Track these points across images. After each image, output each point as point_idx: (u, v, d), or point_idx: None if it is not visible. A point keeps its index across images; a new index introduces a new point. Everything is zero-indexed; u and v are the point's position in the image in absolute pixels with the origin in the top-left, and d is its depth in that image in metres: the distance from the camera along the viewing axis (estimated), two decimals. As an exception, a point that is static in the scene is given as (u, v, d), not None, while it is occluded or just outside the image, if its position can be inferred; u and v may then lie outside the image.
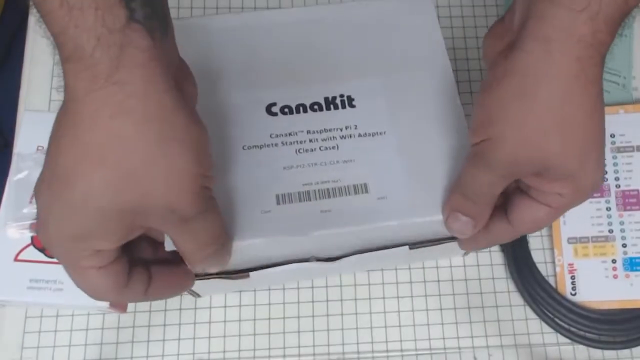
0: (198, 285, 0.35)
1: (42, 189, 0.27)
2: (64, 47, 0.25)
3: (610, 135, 0.49)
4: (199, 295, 0.44)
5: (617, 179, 0.48)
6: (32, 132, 0.44)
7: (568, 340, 0.45)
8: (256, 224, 0.34)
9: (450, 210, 0.34)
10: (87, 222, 0.27)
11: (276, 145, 0.36)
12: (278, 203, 0.35)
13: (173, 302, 0.46)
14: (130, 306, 0.45)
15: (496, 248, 0.48)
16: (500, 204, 0.35)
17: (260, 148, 0.36)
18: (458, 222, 0.34)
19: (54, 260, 0.38)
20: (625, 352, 0.46)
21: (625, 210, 0.47)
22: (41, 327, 0.44)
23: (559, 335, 0.46)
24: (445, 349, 0.46)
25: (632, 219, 0.47)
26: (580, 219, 0.47)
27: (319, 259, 0.36)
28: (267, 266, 0.36)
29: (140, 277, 0.31)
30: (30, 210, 0.41)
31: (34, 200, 0.39)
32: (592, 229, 0.47)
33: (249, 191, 0.35)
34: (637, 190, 0.48)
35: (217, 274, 0.36)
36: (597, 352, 0.46)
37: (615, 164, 0.48)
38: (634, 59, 0.54)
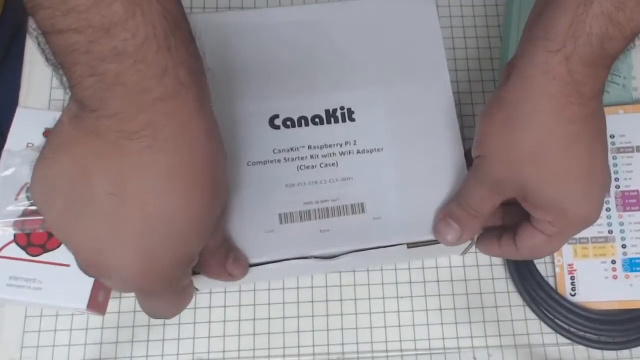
0: (198, 280, 0.36)
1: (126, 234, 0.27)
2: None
3: (611, 136, 0.49)
4: (197, 289, 0.44)
5: (617, 179, 0.48)
6: (23, 130, 0.44)
7: (568, 341, 0.45)
8: (261, 244, 0.35)
9: (445, 215, 0.37)
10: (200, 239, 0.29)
11: (279, 161, 0.37)
12: (281, 222, 0.36)
13: (173, 302, 0.46)
14: (130, 306, 0.45)
15: (496, 248, 0.48)
16: (512, 226, 0.38)
17: (265, 164, 0.37)
18: (448, 227, 0.36)
19: (36, 259, 0.38)
20: (625, 353, 0.46)
21: (625, 211, 0.47)
22: (41, 327, 0.44)
23: (558, 335, 0.46)
24: (445, 349, 0.46)
25: (632, 219, 0.47)
26: (580, 219, 0.47)
27: (318, 257, 0.36)
28: (267, 263, 0.36)
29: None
30: (16, 207, 0.41)
31: (20, 197, 0.40)
32: (592, 229, 0.47)
33: (254, 210, 0.36)
34: (637, 191, 0.48)
35: None
36: (597, 353, 0.46)
37: (615, 165, 0.48)
38: (634, 59, 0.54)
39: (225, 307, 0.46)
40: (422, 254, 0.43)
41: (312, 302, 0.46)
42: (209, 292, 0.46)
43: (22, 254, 0.39)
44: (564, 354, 0.46)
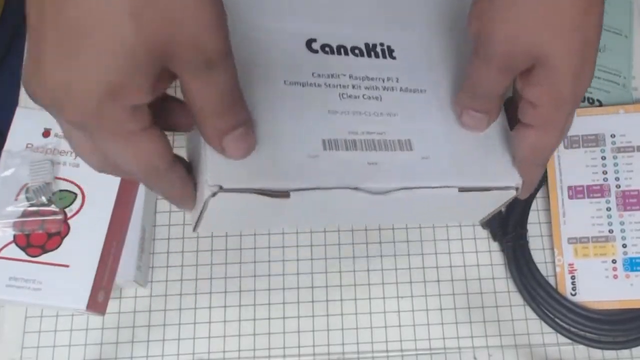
0: (223, 200, 0.31)
1: (50, 55, 0.24)
2: None
3: (611, 136, 0.49)
4: (198, 225, 0.36)
5: (617, 179, 0.48)
6: (23, 130, 0.44)
7: (568, 340, 0.45)
8: (304, 168, 0.32)
9: (462, 108, 0.34)
10: (120, 69, 0.24)
11: (319, 85, 0.34)
12: (325, 148, 0.33)
13: (173, 302, 0.46)
14: (130, 306, 0.45)
15: (496, 248, 0.48)
16: None
17: (303, 86, 0.34)
18: (472, 118, 0.34)
19: (35, 259, 0.38)
20: (625, 352, 0.46)
21: (625, 210, 0.47)
22: (41, 327, 0.44)
23: (559, 335, 0.46)
24: (445, 349, 0.46)
25: (632, 219, 0.47)
26: (581, 219, 0.47)
27: (366, 191, 0.34)
28: (310, 189, 0.32)
29: (179, 158, 0.30)
30: (15, 208, 0.41)
31: (19, 197, 0.40)
32: (592, 229, 0.47)
33: (294, 132, 0.32)
34: (638, 190, 0.48)
35: (255, 190, 0.32)
36: (597, 352, 0.46)
37: (615, 164, 0.48)
38: (634, 59, 0.54)
39: (225, 307, 0.46)
40: (470, 203, 0.40)
41: (312, 302, 0.46)
42: (209, 292, 0.46)
43: (22, 255, 0.39)
44: (564, 354, 0.46)
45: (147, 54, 0.24)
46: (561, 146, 0.49)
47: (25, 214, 0.40)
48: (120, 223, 0.41)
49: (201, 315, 0.45)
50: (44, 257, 0.39)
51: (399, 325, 0.46)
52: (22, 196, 0.41)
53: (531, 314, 0.46)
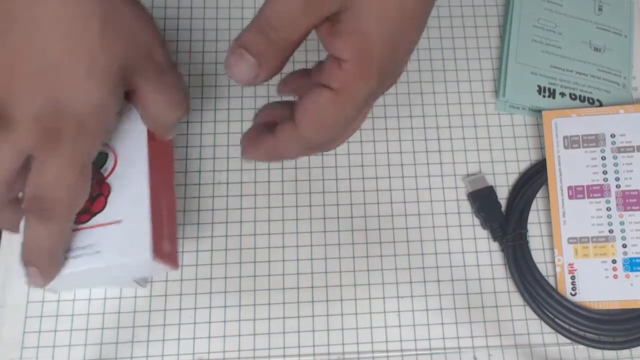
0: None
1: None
2: None
3: (611, 136, 0.49)
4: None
5: (617, 179, 0.48)
6: None
7: (568, 341, 0.45)
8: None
9: (237, 45, 0.28)
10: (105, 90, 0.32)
11: None
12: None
13: (173, 302, 0.46)
14: (130, 306, 0.45)
15: (496, 248, 0.48)
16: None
17: None
18: (240, 60, 0.28)
19: (85, 225, 0.36)
20: (625, 352, 0.46)
21: (625, 210, 0.47)
22: (41, 327, 0.44)
23: (559, 335, 0.46)
24: (445, 349, 0.46)
25: (632, 219, 0.47)
26: (581, 219, 0.47)
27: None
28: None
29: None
30: None
31: None
32: (592, 229, 0.47)
33: None
34: (638, 190, 0.48)
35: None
36: (597, 352, 0.46)
37: (615, 164, 0.48)
38: (634, 59, 0.54)
39: (225, 307, 0.46)
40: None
41: (312, 302, 0.46)
42: (209, 292, 0.46)
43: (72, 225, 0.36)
44: (564, 354, 0.46)
45: (116, 75, 0.32)
46: (561, 146, 0.49)
47: None
48: (160, 174, 0.39)
49: (201, 315, 0.45)
50: (93, 221, 0.36)
51: (399, 325, 0.46)
52: None
53: (531, 314, 0.46)
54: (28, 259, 0.34)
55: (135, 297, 0.46)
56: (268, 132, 0.31)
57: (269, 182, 0.49)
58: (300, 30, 0.27)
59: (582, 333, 0.45)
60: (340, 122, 0.29)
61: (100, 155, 0.36)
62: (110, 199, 0.36)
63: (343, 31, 0.27)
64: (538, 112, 0.51)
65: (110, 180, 0.36)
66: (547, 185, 0.49)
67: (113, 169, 0.36)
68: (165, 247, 0.37)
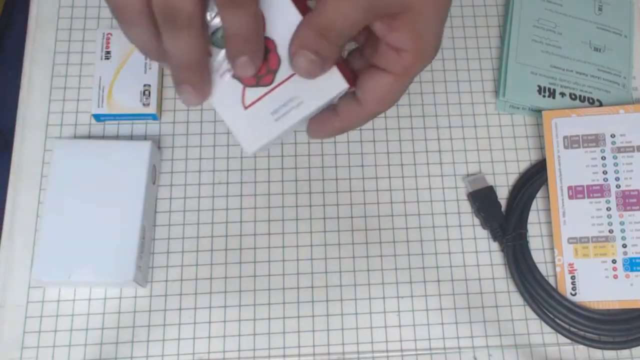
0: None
1: None
2: None
3: (611, 136, 0.49)
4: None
5: (617, 179, 0.48)
6: None
7: (568, 341, 0.45)
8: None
9: (300, 47, 0.32)
10: None
11: None
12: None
13: (173, 302, 0.46)
14: (130, 306, 0.45)
15: (496, 248, 0.48)
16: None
17: None
18: (309, 62, 0.32)
19: (274, 85, 0.35)
20: (625, 352, 0.46)
21: (625, 210, 0.47)
22: (41, 327, 0.44)
23: (559, 335, 0.46)
24: (445, 349, 0.46)
25: (632, 219, 0.47)
26: (581, 219, 0.47)
27: None
28: None
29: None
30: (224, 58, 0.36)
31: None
32: (592, 229, 0.47)
33: None
34: (637, 190, 0.48)
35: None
36: (597, 352, 0.46)
37: (615, 164, 0.48)
38: (634, 59, 0.54)
39: (225, 307, 0.46)
40: None
41: (312, 302, 0.46)
42: (209, 292, 0.46)
43: (262, 90, 0.35)
44: (564, 354, 0.46)
45: None
46: (561, 146, 0.49)
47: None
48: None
49: (201, 315, 0.45)
50: (277, 78, 0.35)
51: (399, 325, 0.46)
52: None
53: (531, 314, 0.46)
54: (178, 78, 0.33)
55: (135, 297, 0.46)
56: (333, 114, 0.35)
57: (269, 182, 0.49)
58: (356, 31, 0.31)
59: (582, 333, 0.45)
60: (399, 96, 0.33)
61: None
62: (279, 50, 0.34)
63: (402, 27, 0.31)
64: (538, 112, 0.51)
65: (268, 34, 0.34)
66: (547, 185, 0.49)
67: (264, 22, 0.34)
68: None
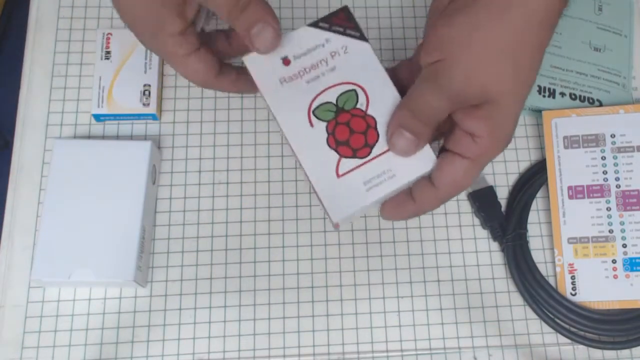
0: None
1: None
2: None
3: (611, 136, 0.49)
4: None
5: (617, 179, 0.48)
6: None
7: (568, 341, 0.45)
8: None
9: (397, 126, 0.35)
10: (153, 12, 0.35)
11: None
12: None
13: (173, 302, 0.46)
14: (130, 306, 0.45)
15: (496, 248, 0.48)
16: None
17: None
18: (405, 140, 0.34)
19: (370, 157, 0.37)
20: (625, 352, 0.46)
21: (625, 210, 0.47)
22: (41, 327, 0.44)
23: (559, 335, 0.46)
24: (445, 349, 0.46)
25: (632, 219, 0.47)
26: (581, 219, 0.47)
27: None
28: None
29: (229, 68, 0.39)
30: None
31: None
32: (592, 229, 0.47)
33: None
34: (637, 190, 0.48)
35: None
36: (597, 352, 0.46)
37: (615, 164, 0.48)
38: (634, 59, 0.54)
39: (225, 307, 0.46)
40: None
41: (312, 302, 0.46)
42: (209, 292, 0.46)
43: (357, 162, 0.37)
44: (564, 354, 0.46)
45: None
46: (561, 146, 0.49)
47: (333, 131, 0.37)
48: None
49: (201, 315, 0.46)
50: (374, 152, 0.37)
51: (399, 325, 0.46)
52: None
53: (531, 314, 0.46)
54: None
55: (135, 297, 0.46)
56: (408, 198, 0.36)
57: (269, 182, 0.49)
58: (443, 117, 0.34)
59: (582, 333, 0.45)
60: (472, 181, 0.35)
61: (349, 93, 0.37)
62: (379, 127, 0.37)
63: (480, 115, 0.33)
64: (538, 112, 0.51)
65: (370, 112, 0.37)
66: (547, 185, 0.49)
67: (367, 101, 0.37)
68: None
